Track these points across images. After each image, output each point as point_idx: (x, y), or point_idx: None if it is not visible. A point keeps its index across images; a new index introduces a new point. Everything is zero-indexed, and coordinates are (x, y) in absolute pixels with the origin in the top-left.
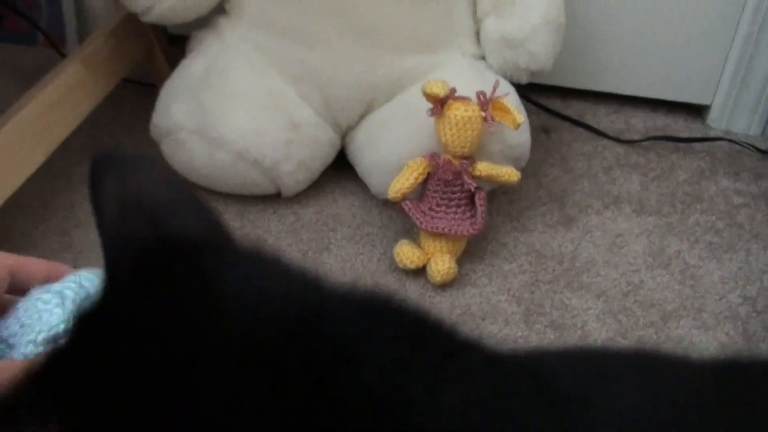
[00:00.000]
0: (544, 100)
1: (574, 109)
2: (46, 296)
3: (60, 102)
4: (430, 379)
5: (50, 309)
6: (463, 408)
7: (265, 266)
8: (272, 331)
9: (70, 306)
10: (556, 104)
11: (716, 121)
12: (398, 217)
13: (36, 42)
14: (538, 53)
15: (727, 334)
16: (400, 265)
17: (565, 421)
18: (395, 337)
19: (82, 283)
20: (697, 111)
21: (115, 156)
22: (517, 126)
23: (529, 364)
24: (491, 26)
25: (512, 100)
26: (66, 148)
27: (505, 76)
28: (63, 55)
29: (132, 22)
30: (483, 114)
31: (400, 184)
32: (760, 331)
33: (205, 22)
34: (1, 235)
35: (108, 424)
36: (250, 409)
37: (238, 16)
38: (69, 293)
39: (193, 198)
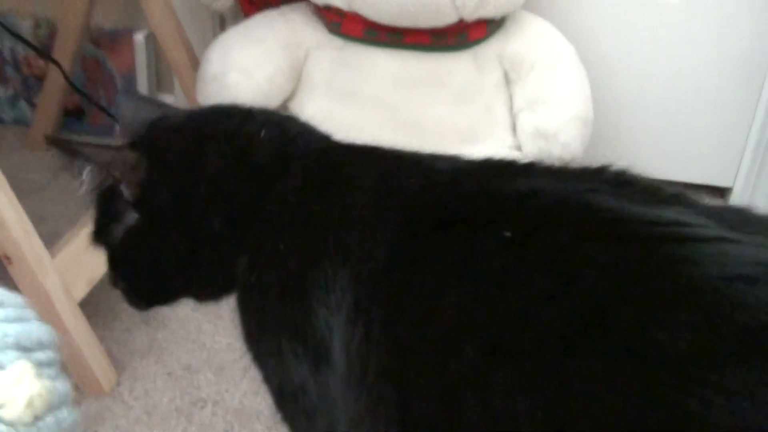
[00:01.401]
0: None
1: None
2: None
3: None
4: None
5: None
6: None
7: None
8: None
9: None
10: None
11: (738, 203)
12: None
13: (115, 133)
14: (570, 144)
15: None
16: None
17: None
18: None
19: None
20: (720, 193)
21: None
22: None
23: None
24: (526, 120)
25: None
26: None
27: None
28: None
29: None
30: None
31: None
32: None
33: None
34: (91, 310)
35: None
36: None
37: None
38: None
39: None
